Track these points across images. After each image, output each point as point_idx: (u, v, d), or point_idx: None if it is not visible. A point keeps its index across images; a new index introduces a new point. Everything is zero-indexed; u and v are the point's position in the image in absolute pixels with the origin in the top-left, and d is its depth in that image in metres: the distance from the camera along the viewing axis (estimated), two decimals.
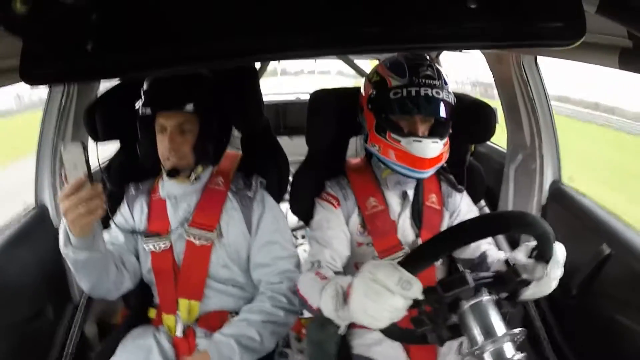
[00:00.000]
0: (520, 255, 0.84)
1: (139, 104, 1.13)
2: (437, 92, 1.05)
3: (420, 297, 0.71)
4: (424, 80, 1.05)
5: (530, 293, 0.84)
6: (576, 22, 0.56)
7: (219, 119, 1.18)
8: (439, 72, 1.09)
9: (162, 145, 1.12)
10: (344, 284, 0.84)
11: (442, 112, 1.08)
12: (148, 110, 1.11)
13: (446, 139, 1.10)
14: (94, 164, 0.95)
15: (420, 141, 1.06)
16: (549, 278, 0.81)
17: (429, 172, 1.10)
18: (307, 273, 1.04)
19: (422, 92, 1.05)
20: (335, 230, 1.15)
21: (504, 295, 0.80)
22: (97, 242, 1.01)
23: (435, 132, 1.09)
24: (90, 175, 0.89)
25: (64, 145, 0.89)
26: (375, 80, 1.13)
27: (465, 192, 1.25)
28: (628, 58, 0.79)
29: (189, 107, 1.10)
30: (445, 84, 1.08)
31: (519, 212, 0.90)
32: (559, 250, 0.82)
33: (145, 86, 1.14)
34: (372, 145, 1.14)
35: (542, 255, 0.80)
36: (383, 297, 0.70)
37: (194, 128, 1.12)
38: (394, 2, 0.60)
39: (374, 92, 1.11)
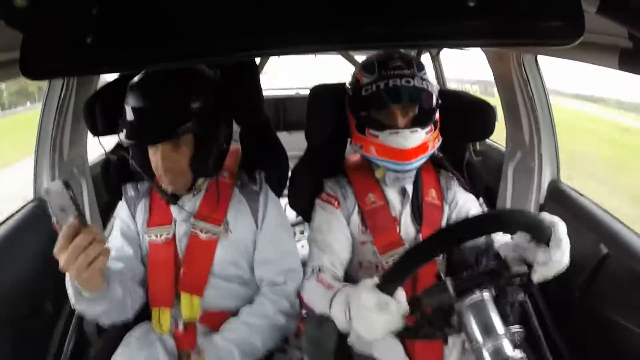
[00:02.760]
0: (521, 241, 0.81)
1: (121, 133, 1.02)
2: (406, 81, 1.06)
3: (405, 312, 0.74)
4: (392, 72, 1.07)
5: (540, 276, 0.80)
6: (575, 21, 0.57)
7: (220, 129, 1.09)
8: (410, 62, 1.09)
9: (154, 160, 1.04)
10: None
11: (416, 99, 1.08)
12: (131, 142, 1.02)
13: (430, 128, 1.10)
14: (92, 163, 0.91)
15: (397, 132, 1.07)
16: (554, 260, 0.78)
17: (413, 163, 1.09)
18: (310, 281, 1.06)
19: (391, 83, 1.06)
20: (336, 233, 1.15)
21: (517, 281, 0.78)
22: (113, 286, 0.91)
23: (416, 122, 1.09)
24: (81, 216, 0.77)
25: (45, 189, 0.78)
26: (351, 82, 1.17)
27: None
28: (628, 59, 0.80)
29: (180, 133, 0.99)
30: (419, 72, 1.08)
31: (499, 210, 0.89)
32: (560, 228, 0.79)
33: (127, 114, 1.01)
34: (356, 145, 1.16)
35: (540, 239, 0.78)
36: (373, 316, 0.74)
37: (190, 142, 1.03)
38: (395, 1, 0.60)
39: (351, 93, 1.16)
